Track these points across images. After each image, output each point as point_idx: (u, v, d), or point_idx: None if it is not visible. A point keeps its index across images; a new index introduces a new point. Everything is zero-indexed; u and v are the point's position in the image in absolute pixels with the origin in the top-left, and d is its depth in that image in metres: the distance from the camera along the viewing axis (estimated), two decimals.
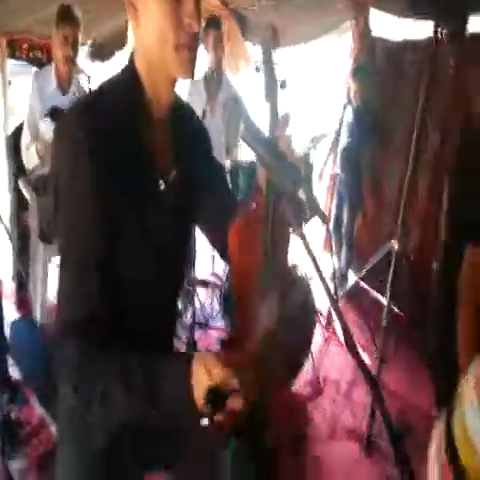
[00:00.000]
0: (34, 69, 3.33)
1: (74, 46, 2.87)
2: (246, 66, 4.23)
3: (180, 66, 0.98)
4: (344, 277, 4.11)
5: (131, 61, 1.03)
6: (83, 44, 3.52)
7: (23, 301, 3.50)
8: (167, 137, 1.09)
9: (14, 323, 2.87)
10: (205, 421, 0.81)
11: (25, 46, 3.64)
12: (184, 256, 1.29)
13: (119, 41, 4.07)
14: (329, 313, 3.65)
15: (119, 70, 1.06)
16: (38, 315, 3.14)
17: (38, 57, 3.69)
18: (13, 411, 2.56)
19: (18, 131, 3.21)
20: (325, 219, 2.91)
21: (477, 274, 1.55)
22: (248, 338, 1.02)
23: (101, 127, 0.93)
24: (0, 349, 2.49)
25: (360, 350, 3.30)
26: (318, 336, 3.42)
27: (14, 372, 2.68)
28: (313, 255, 0.86)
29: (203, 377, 0.84)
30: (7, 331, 2.63)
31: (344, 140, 4.00)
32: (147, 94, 1.02)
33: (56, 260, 3.12)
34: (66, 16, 2.82)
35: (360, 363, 0.77)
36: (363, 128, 3.89)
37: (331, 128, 4.10)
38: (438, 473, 1.06)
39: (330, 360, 3.30)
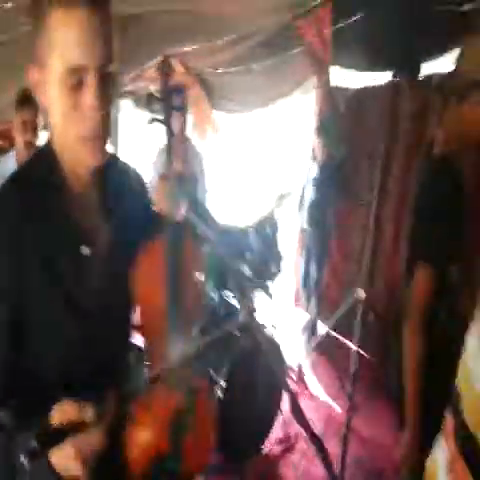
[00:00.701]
0: None
1: (34, 130, 2.87)
2: (213, 131, 4.39)
3: (86, 156, 0.98)
4: (314, 329, 4.19)
5: (49, 141, 1.03)
6: (44, 128, 3.62)
7: None
8: (94, 204, 1.08)
9: None
10: None
11: None
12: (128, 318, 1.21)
13: None
14: (299, 368, 3.75)
15: (38, 150, 1.07)
16: None
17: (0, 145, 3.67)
18: None
19: None
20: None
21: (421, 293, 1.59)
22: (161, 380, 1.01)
23: (18, 207, 0.96)
24: None
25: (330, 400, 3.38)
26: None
27: None
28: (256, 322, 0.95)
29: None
30: None
31: (310, 196, 4.14)
32: (64, 171, 1.02)
33: None
34: (25, 100, 2.82)
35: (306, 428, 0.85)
36: (328, 182, 4.02)
37: (297, 186, 4.24)
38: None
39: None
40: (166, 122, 1.14)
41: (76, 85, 0.92)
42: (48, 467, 0.81)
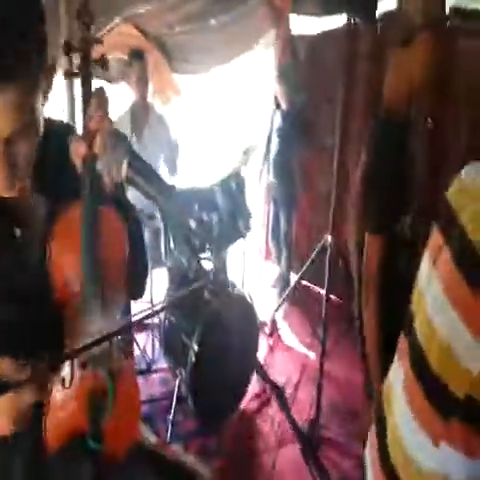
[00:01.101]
0: None
1: None
2: (176, 95, 4.27)
3: None
4: (286, 282, 4.23)
5: None
6: None
7: None
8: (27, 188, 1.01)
9: None
10: None
11: None
12: None
13: None
14: (272, 322, 3.83)
15: None
16: None
17: None
18: None
19: None
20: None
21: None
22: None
23: None
24: None
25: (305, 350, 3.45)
26: (262, 346, 3.50)
27: None
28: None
29: None
30: None
31: (275, 147, 4.09)
32: None
33: None
34: None
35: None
36: (291, 131, 3.97)
37: (261, 138, 4.19)
38: (371, 472, 1.07)
39: (276, 368, 3.42)
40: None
41: None
42: None
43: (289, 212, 4.21)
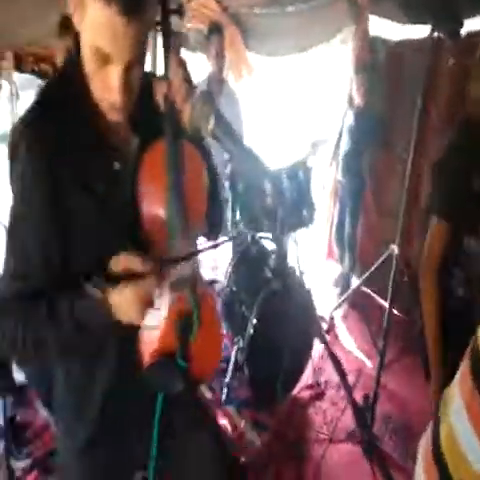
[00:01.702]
0: (40, 82, 3.45)
1: None
2: (248, 73, 4.36)
3: (106, 110, 1.06)
4: (347, 283, 4.20)
5: (78, 64, 1.04)
6: None
7: None
8: (123, 122, 1.12)
9: None
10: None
11: (31, 59, 3.76)
12: None
13: None
14: (331, 319, 3.75)
15: (65, 71, 1.11)
16: None
17: (43, 69, 3.81)
18: (18, 413, 2.72)
19: None
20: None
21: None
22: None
23: (52, 133, 1.03)
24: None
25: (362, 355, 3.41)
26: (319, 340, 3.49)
27: (18, 376, 2.80)
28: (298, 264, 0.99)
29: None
30: None
31: (346, 145, 4.08)
32: (93, 96, 1.06)
33: None
34: (68, 25, 2.95)
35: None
36: (364, 131, 3.95)
37: (332, 134, 4.20)
38: (423, 468, 1.10)
39: (330, 366, 3.37)
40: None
41: (103, 59, 0.98)
42: (104, 306, 0.99)
43: (355, 214, 4.17)
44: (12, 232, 1.07)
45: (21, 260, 1.05)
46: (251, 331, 2.55)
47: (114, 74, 0.98)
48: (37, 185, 1.02)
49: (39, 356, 1.11)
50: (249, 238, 2.75)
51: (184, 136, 1.12)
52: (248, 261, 2.93)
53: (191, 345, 1.10)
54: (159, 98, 1.12)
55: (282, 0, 3.94)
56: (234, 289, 2.95)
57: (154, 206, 1.12)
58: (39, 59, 3.81)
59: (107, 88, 1.01)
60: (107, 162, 1.10)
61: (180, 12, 1.15)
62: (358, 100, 3.94)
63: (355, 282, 4.13)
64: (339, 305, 3.89)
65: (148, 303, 1.00)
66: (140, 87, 1.08)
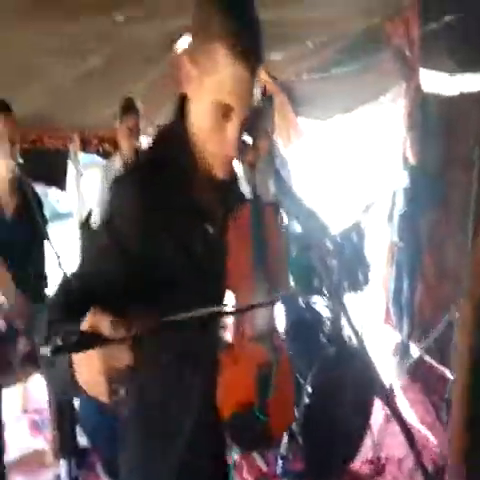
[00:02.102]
0: (102, 160, 3.71)
1: (137, 135, 3.20)
2: (298, 138, 4.47)
3: (214, 167, 1.14)
4: (406, 351, 4.05)
5: (182, 125, 1.15)
6: (145, 132, 3.87)
7: None
8: (215, 188, 1.22)
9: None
10: None
11: (95, 141, 4.05)
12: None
13: None
14: (390, 389, 3.60)
15: (168, 132, 1.20)
16: None
17: (106, 149, 4.09)
18: (80, 476, 2.82)
19: (88, 217, 3.52)
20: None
21: None
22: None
23: (150, 188, 1.09)
24: (71, 419, 2.71)
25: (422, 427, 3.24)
26: (379, 413, 3.29)
27: (82, 440, 2.91)
28: (355, 329, 0.98)
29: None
30: (76, 403, 2.88)
31: (401, 206, 4.05)
32: (196, 157, 1.15)
33: None
34: (129, 108, 3.15)
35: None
36: (420, 190, 3.90)
37: (386, 195, 4.17)
38: None
39: (393, 438, 3.19)
40: None
41: (223, 113, 1.07)
42: (67, 371, 0.85)
43: (413, 277, 4.09)
44: (96, 240, 1.15)
45: (88, 269, 1.11)
46: (306, 400, 2.49)
47: (233, 128, 1.08)
48: (133, 223, 1.08)
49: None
50: (303, 304, 2.75)
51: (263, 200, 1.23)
52: (302, 327, 2.88)
53: (270, 399, 1.17)
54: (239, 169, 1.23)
55: (329, 64, 4.03)
56: (289, 353, 2.90)
57: (241, 264, 1.23)
58: (102, 140, 4.08)
59: (224, 143, 1.09)
60: (201, 226, 1.19)
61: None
62: (412, 158, 3.93)
63: (415, 349, 4.00)
64: (399, 375, 3.75)
65: (114, 377, 0.84)
66: None
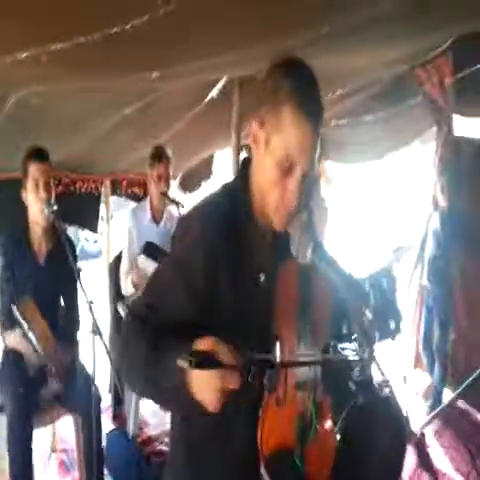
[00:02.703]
0: (132, 203, 3.86)
1: (167, 182, 3.36)
2: (327, 184, 4.55)
3: (274, 220, 1.25)
4: (439, 396, 4.00)
5: (245, 182, 1.30)
6: (174, 177, 4.07)
7: (118, 413, 3.82)
8: (268, 241, 1.35)
9: (108, 435, 3.19)
10: None
11: (124, 183, 4.25)
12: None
13: (205, 173, 4.63)
14: (421, 437, 3.58)
15: (233, 183, 1.36)
16: (130, 427, 3.43)
17: (135, 192, 4.29)
18: None
19: (118, 259, 3.65)
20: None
21: None
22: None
23: (214, 232, 1.23)
24: (99, 459, 2.75)
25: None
26: (409, 460, 3.31)
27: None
28: (385, 377, 1.07)
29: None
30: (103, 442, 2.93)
31: (431, 249, 4.06)
32: (255, 211, 1.29)
33: None
34: (159, 156, 3.32)
35: None
36: (451, 234, 3.92)
37: (416, 239, 4.21)
38: None
39: None
40: None
41: (288, 168, 1.18)
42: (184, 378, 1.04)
43: (445, 320, 4.06)
44: (162, 272, 1.31)
45: (155, 299, 1.26)
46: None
47: (295, 181, 1.19)
48: (201, 256, 1.22)
49: (129, 379, 1.27)
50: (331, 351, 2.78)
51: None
52: (330, 374, 2.88)
53: (307, 448, 1.24)
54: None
55: (358, 110, 4.13)
56: None
57: (288, 313, 1.33)
58: (132, 184, 4.28)
59: (285, 196, 1.20)
60: (254, 274, 1.31)
61: None
62: (442, 202, 3.95)
63: (448, 394, 3.95)
64: (431, 420, 3.70)
65: (226, 395, 1.04)
66: None
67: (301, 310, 1.32)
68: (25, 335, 2.59)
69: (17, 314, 2.52)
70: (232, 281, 1.25)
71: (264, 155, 1.22)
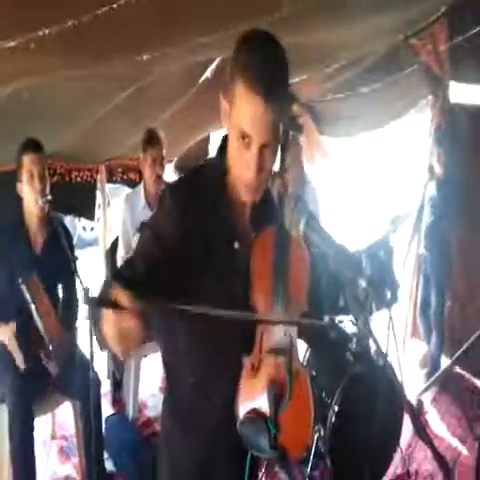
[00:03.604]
0: (127, 189, 3.87)
1: (161, 165, 3.37)
2: (322, 157, 4.57)
3: (241, 192, 1.32)
4: (436, 363, 4.09)
5: (222, 155, 1.35)
6: (169, 161, 4.08)
7: (117, 398, 3.88)
8: (246, 209, 1.41)
9: (108, 419, 3.28)
10: None
11: (120, 170, 4.27)
12: None
13: (202, 154, 4.65)
14: (419, 404, 3.69)
15: (210, 160, 1.46)
16: (130, 410, 3.52)
17: (131, 178, 4.31)
18: None
19: (114, 245, 3.69)
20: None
21: None
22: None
23: (188, 198, 1.32)
24: (98, 444, 2.83)
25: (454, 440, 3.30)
26: (407, 427, 3.29)
27: (108, 464, 3.00)
28: (381, 348, 1.14)
29: None
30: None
31: (428, 217, 4.10)
32: (230, 181, 1.35)
33: (149, 357, 3.54)
34: (152, 140, 3.33)
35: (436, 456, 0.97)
36: (448, 202, 3.95)
37: (413, 208, 4.23)
38: None
39: (422, 452, 3.26)
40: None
41: (246, 142, 1.23)
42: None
43: (442, 288, 4.11)
44: (142, 238, 1.41)
45: (134, 255, 1.36)
46: (333, 419, 2.55)
47: (251, 156, 1.23)
48: (177, 220, 1.30)
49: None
50: (327, 319, 2.83)
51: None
52: (327, 345, 2.93)
53: (281, 414, 1.28)
54: (274, 193, 1.42)
55: (355, 82, 4.13)
56: (313, 374, 2.92)
57: (263, 279, 1.38)
58: (127, 169, 4.30)
59: (245, 170, 1.26)
60: (229, 241, 1.38)
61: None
62: (439, 169, 3.98)
63: (445, 361, 4.03)
64: (428, 388, 3.80)
65: (128, 339, 1.06)
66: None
67: (276, 276, 1.37)
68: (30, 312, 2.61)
69: (24, 290, 2.54)
70: (206, 246, 1.32)
71: (229, 129, 1.28)
